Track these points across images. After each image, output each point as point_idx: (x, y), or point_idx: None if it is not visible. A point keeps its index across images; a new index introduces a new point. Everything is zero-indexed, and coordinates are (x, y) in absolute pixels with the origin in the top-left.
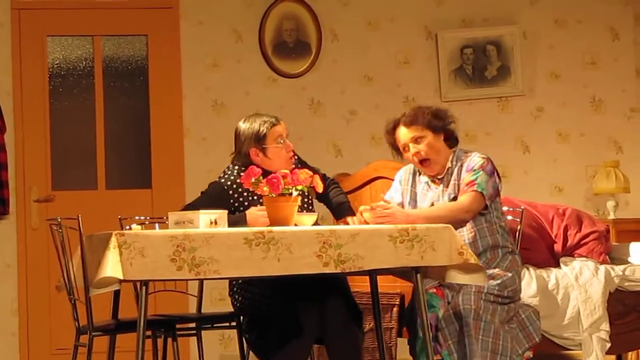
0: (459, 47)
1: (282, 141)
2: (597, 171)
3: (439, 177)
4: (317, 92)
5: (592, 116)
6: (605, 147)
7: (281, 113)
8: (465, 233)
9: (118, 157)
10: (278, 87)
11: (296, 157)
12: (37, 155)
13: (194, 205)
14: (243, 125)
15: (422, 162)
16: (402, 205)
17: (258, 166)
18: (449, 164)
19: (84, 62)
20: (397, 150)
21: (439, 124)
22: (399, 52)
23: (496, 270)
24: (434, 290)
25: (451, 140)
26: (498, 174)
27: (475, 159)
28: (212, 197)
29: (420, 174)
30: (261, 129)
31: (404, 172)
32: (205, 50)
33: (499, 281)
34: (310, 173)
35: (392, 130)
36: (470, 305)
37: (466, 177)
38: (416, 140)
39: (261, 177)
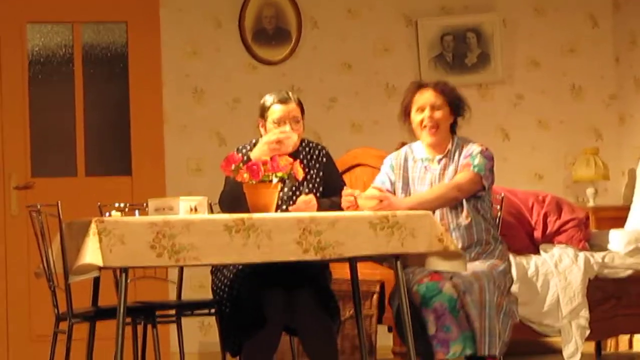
0: (439, 35)
1: (277, 122)
2: (576, 158)
3: (438, 157)
4: (297, 79)
5: (572, 103)
6: (585, 135)
7: (260, 100)
8: (462, 220)
9: (98, 144)
10: (258, 74)
11: (304, 142)
12: (16, 142)
13: (226, 187)
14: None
15: (432, 127)
16: (392, 191)
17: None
18: (449, 146)
19: (64, 49)
20: (405, 111)
21: (457, 108)
22: (379, 39)
23: (493, 261)
24: (429, 277)
25: (454, 126)
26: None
27: (473, 147)
28: None
29: (414, 158)
30: (267, 102)
31: (395, 158)
32: (185, 37)
33: (500, 269)
34: (290, 160)
35: (415, 89)
36: (492, 296)
37: (464, 161)
38: (436, 107)
39: (241, 164)
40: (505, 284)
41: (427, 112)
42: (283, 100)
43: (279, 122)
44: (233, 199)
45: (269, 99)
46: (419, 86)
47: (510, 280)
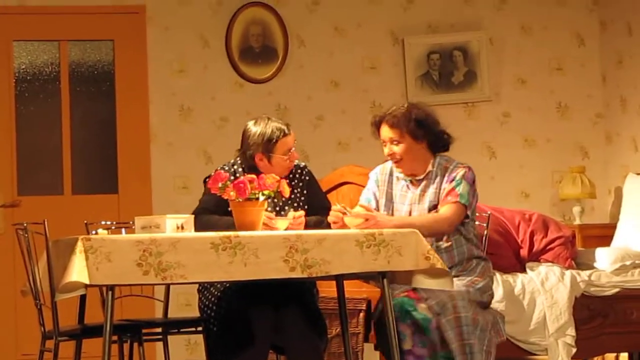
0: (426, 53)
1: (288, 152)
2: (563, 177)
3: (418, 178)
4: (284, 97)
5: (558, 122)
6: (571, 153)
7: (248, 119)
8: (442, 243)
9: (84, 162)
10: (244, 92)
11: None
12: (2, 160)
13: (204, 208)
14: (254, 128)
15: (395, 162)
16: (377, 206)
17: (258, 169)
18: (430, 167)
19: (50, 67)
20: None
21: (421, 133)
22: (366, 57)
23: (472, 277)
24: (406, 293)
25: (436, 146)
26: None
27: (457, 169)
28: (212, 193)
29: (397, 176)
30: (272, 137)
31: (380, 172)
32: (171, 55)
33: (479, 286)
34: (277, 178)
35: (377, 124)
36: (468, 314)
37: (447, 186)
38: (394, 142)
39: (228, 182)
40: (482, 300)
41: (387, 148)
42: (287, 131)
43: (290, 153)
44: (205, 224)
45: (270, 132)
46: (379, 121)
47: (489, 296)
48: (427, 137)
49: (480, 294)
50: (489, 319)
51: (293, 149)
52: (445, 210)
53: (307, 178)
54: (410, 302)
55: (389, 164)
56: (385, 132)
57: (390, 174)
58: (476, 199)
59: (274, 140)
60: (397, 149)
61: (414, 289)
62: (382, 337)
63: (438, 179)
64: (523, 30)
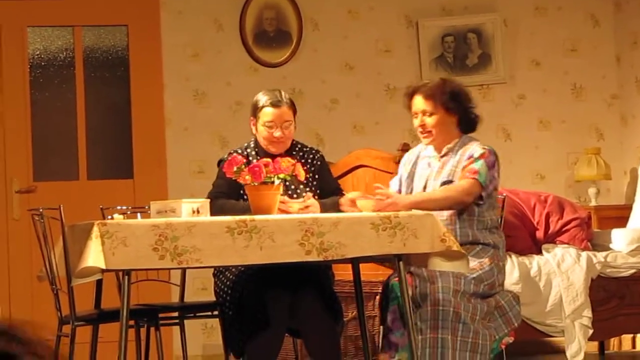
0: (440, 35)
1: (268, 125)
2: (578, 158)
3: (440, 155)
4: (298, 81)
5: (573, 103)
6: (587, 134)
7: (254, 97)
8: (445, 224)
9: (99, 147)
10: (259, 76)
11: (298, 146)
12: (18, 146)
13: (219, 192)
14: (258, 95)
15: (425, 134)
16: (399, 189)
17: (272, 154)
18: (451, 145)
19: (65, 53)
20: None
21: (454, 106)
22: (380, 40)
23: (473, 264)
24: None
25: (466, 124)
26: (498, 167)
27: (476, 148)
28: (225, 177)
29: (423, 156)
30: (258, 103)
31: (410, 154)
32: (185, 40)
33: (474, 275)
34: (293, 161)
35: (410, 95)
36: (449, 308)
37: (465, 163)
38: (427, 114)
39: (243, 166)
40: (477, 292)
41: (418, 120)
42: (275, 104)
43: (270, 127)
44: (221, 208)
45: (262, 99)
46: (413, 92)
47: (488, 286)
48: (459, 111)
49: (476, 283)
50: (486, 309)
51: (278, 130)
52: (462, 182)
53: (319, 163)
54: (398, 289)
55: (418, 148)
56: (419, 103)
57: (417, 156)
58: (494, 185)
59: (259, 107)
60: (430, 120)
61: (409, 273)
62: (383, 318)
63: (458, 157)
64: (537, 11)
